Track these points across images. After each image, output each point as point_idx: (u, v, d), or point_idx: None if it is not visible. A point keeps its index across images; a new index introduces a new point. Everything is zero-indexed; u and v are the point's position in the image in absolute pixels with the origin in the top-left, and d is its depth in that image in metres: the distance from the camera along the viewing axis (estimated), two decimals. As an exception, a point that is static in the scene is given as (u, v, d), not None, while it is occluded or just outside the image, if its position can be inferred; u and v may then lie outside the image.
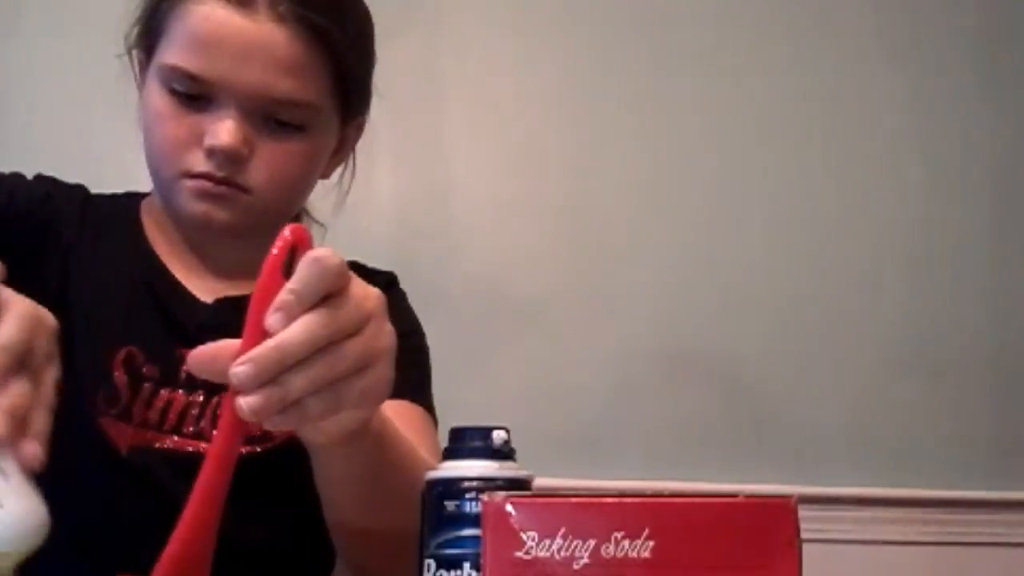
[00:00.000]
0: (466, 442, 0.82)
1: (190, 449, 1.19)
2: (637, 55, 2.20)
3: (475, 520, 0.75)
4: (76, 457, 1.17)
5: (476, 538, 0.72)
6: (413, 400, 1.25)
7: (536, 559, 0.66)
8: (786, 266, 2.19)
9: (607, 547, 0.66)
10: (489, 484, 0.78)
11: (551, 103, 2.16)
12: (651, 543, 0.66)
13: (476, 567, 0.76)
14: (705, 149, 2.20)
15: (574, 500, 0.68)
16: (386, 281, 1.35)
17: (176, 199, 1.18)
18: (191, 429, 1.20)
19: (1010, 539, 2.16)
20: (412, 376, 1.28)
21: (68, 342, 1.10)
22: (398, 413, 1.08)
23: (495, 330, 2.10)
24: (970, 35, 2.29)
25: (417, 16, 2.14)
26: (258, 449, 1.21)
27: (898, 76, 2.26)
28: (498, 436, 0.82)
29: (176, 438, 1.20)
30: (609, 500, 0.68)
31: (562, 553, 0.66)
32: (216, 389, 1.18)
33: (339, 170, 1.33)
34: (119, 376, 1.20)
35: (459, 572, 0.77)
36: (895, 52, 2.26)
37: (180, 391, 1.21)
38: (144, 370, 1.21)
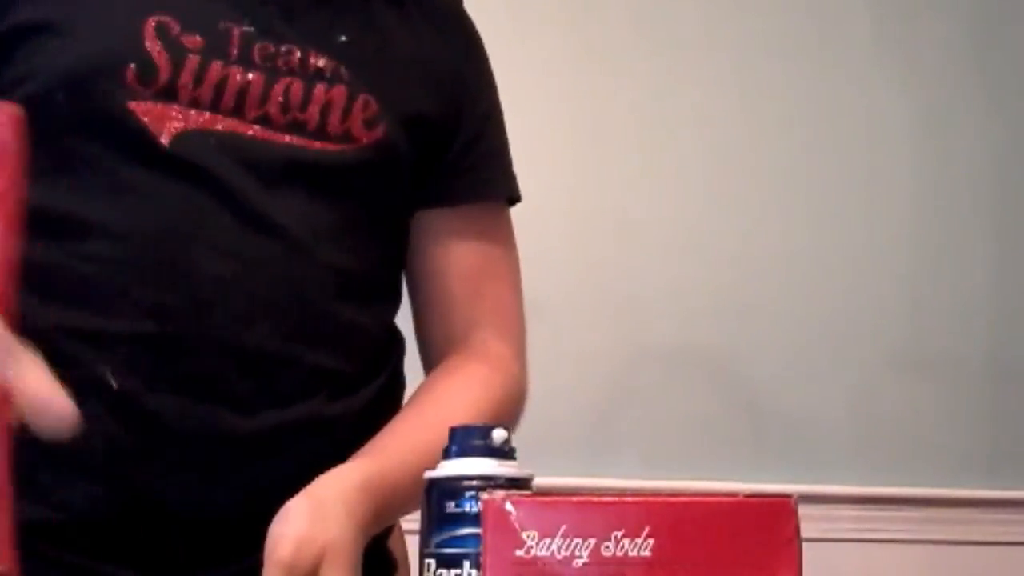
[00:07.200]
0: (466, 441, 0.82)
1: (253, 136, 1.01)
2: (639, 55, 2.20)
3: (475, 519, 0.75)
4: (99, 161, 0.99)
5: (476, 537, 0.72)
6: (498, 195, 1.21)
7: (536, 558, 0.66)
8: (786, 266, 2.19)
9: (607, 546, 0.66)
10: (489, 483, 0.78)
11: (552, 103, 2.16)
12: (651, 542, 0.66)
13: (476, 566, 0.76)
14: (706, 149, 2.20)
15: (574, 499, 0.68)
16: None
17: None
18: (254, 113, 1.01)
19: (1010, 539, 2.16)
20: (493, 162, 1.22)
21: (69, 18, 0.99)
22: (467, 252, 1.14)
23: (495, 329, 2.10)
24: (968, 35, 2.30)
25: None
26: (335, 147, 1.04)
27: (898, 76, 2.26)
28: (498, 435, 0.82)
29: (235, 120, 1.01)
30: (609, 500, 0.68)
31: (562, 552, 0.66)
32: (278, 71, 1.02)
33: None
34: (153, 45, 1.00)
35: (459, 571, 0.77)
36: (896, 53, 2.26)
37: (236, 67, 1.01)
38: (184, 40, 1.00)
